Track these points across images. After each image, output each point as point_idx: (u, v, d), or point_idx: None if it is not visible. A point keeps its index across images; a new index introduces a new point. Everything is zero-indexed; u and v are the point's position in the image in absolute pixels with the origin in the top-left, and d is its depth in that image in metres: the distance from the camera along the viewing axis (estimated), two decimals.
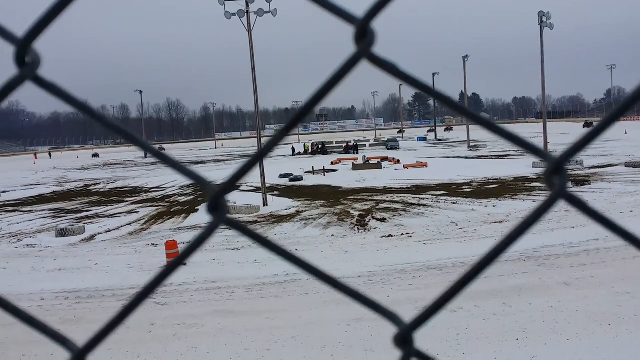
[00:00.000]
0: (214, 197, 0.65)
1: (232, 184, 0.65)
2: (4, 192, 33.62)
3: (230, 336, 8.88)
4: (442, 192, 23.86)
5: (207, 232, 0.64)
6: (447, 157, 45.11)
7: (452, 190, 24.46)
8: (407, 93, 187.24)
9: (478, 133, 60.06)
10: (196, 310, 10.20)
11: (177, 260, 0.65)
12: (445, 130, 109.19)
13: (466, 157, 43.76)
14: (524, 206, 19.14)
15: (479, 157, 42.88)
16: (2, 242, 17.93)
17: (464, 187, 25.13)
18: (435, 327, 8.57)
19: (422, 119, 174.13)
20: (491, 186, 25.05)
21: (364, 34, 0.59)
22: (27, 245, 17.32)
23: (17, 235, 19.02)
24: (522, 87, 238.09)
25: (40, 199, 30.29)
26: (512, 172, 29.44)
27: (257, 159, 0.66)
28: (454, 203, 20.84)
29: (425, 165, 36.25)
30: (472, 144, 56.12)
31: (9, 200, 30.24)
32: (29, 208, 26.57)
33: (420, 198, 22.52)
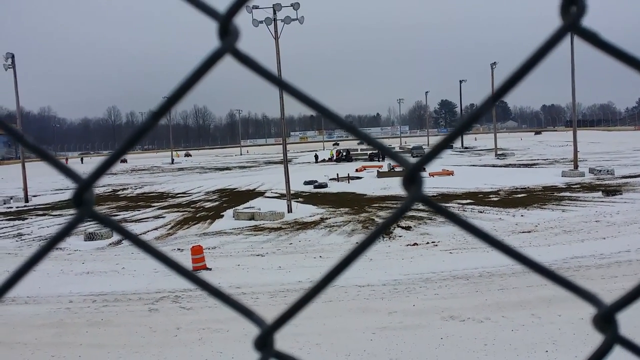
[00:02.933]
0: (78, 191, 0.66)
1: (94, 179, 0.67)
2: (34, 196, 34.43)
3: None
4: (468, 201, 23.57)
5: (71, 224, 0.66)
6: (473, 166, 44.59)
7: (479, 199, 24.15)
8: (434, 100, 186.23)
9: (506, 141, 59.20)
10: (221, 315, 10.23)
11: (43, 248, 0.65)
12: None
13: (493, 166, 43.18)
14: (552, 216, 18.76)
15: (507, 166, 42.26)
16: (33, 245, 18.34)
17: (491, 196, 24.79)
18: (462, 337, 8.43)
19: (448, 127, 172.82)
20: (519, 195, 24.64)
21: (226, 30, 0.60)
22: (57, 249, 17.66)
23: (47, 239, 19.41)
24: (551, 95, 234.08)
25: (69, 204, 30.87)
26: (540, 181, 28.93)
27: (115, 158, 0.67)
28: (480, 212, 20.56)
29: (451, 173, 35.88)
30: (499, 152, 55.39)
31: (39, 204, 30.96)
32: (58, 212, 27.15)
33: (446, 207, 22.23)
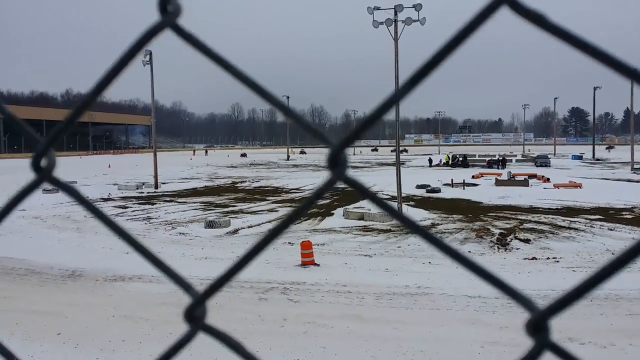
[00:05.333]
0: (36, 157, 0.62)
1: (49, 144, 0.66)
2: (163, 183, 37.33)
3: (358, 341, 8.84)
4: (597, 217, 21.65)
5: (28, 189, 0.63)
6: (605, 179, 40.93)
7: (610, 215, 22.09)
8: (563, 107, 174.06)
9: None
10: (326, 311, 10.33)
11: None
12: (607, 149, 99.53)
13: (629, 180, 39.32)
14: None
15: None
16: (159, 229, 19.85)
17: (623, 213, 22.57)
18: None
19: (578, 136, 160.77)
20: None
21: (165, 5, 0.60)
22: (180, 234, 18.99)
23: (172, 224, 20.95)
24: None
25: (194, 192, 33.12)
26: None
27: (67, 124, 0.67)
28: (610, 229, 18.79)
29: (579, 186, 33.25)
30: (636, 166, 50.37)
31: (167, 191, 33.52)
32: (183, 199, 29.18)
33: (571, 221, 20.65)
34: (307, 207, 0.61)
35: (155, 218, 22.49)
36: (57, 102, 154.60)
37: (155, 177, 35.92)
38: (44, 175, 0.67)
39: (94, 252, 15.54)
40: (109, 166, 57.30)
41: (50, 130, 0.69)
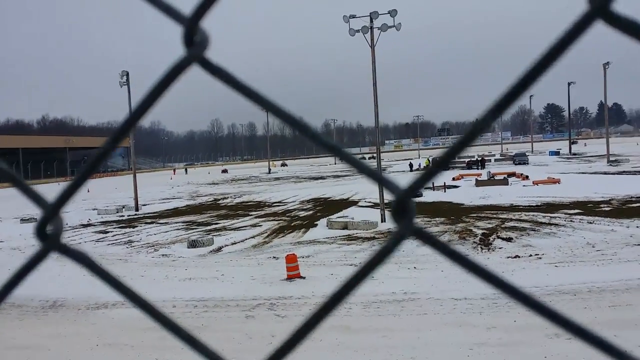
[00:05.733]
0: (41, 223, 0.61)
1: (58, 208, 0.62)
2: (144, 205, 36.92)
3: (348, 352, 8.79)
4: (576, 211, 21.97)
5: (34, 260, 0.59)
6: (583, 173, 41.63)
7: (589, 208, 22.43)
8: (539, 105, 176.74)
9: (620, 146, 54.79)
10: None
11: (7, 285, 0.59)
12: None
13: (605, 173, 40.04)
14: None
15: (621, 173, 39.00)
16: (141, 252, 19.58)
17: (602, 206, 22.93)
18: (568, 357, 7.79)
19: (554, 132, 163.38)
20: (634, 205, 22.58)
21: (193, 36, 0.55)
22: (162, 255, 18.75)
23: (154, 246, 20.69)
24: None
25: (175, 212, 32.79)
26: None
27: (77, 184, 0.62)
28: (590, 223, 19.06)
29: (557, 181, 33.75)
30: (612, 159, 51.31)
31: (148, 213, 33.14)
32: (165, 220, 28.87)
33: (551, 217, 20.92)
34: (372, 269, 0.54)
35: (137, 241, 22.19)
36: (34, 129, 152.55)
37: (136, 199, 35.52)
38: (51, 244, 0.61)
39: (75, 281, 15.22)
40: (88, 191, 56.46)
41: (59, 196, 0.62)
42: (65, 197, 0.61)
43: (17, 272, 0.63)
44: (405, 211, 0.52)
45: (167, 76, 0.56)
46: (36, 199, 0.63)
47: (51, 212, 0.61)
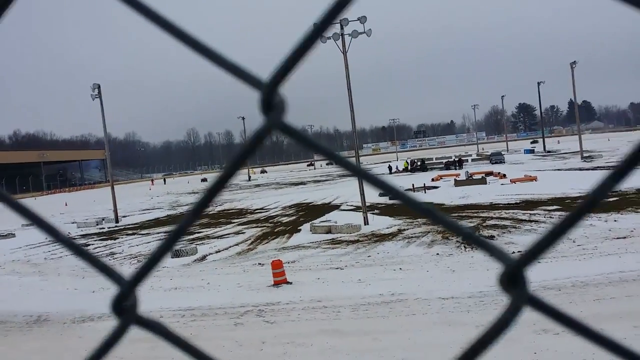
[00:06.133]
0: (117, 299, 0.62)
1: (135, 284, 0.63)
2: (124, 216, 36.47)
3: (339, 356, 8.82)
4: (554, 207, 22.40)
5: (114, 337, 0.62)
6: (558, 170, 42.44)
7: (566, 204, 22.89)
8: (511, 104, 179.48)
9: (592, 142, 56.00)
10: (304, 329, 10.28)
11: None
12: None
13: (580, 169, 40.87)
14: None
15: (595, 169, 39.85)
16: (124, 264, 19.35)
17: (579, 201, 23.33)
18: (557, 352, 7.95)
19: (528, 130, 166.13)
20: (611, 199, 23.09)
21: (271, 102, 0.54)
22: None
23: (136, 257, 20.46)
24: None
25: (157, 222, 32.46)
26: (634, 184, 26.98)
27: (157, 258, 0.62)
28: None
29: (534, 179, 34.32)
30: (585, 155, 52.41)
31: (129, 224, 32.74)
32: (146, 231, 28.56)
33: (531, 214, 21.28)
34: (486, 345, 0.51)
35: (119, 253, 21.91)
36: (5, 144, 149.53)
37: (115, 211, 35.06)
38: (128, 318, 0.61)
39: (59, 295, 15.01)
40: (66, 204, 55.63)
41: (136, 272, 0.62)
42: (142, 274, 0.62)
43: (98, 349, 0.63)
44: (518, 282, 0.50)
45: (251, 143, 0.55)
46: (110, 274, 0.63)
47: (128, 289, 0.62)
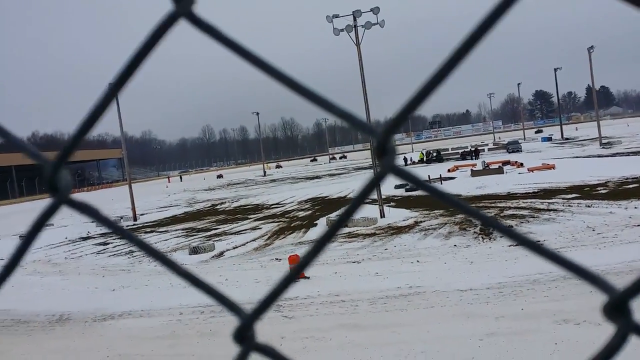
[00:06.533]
0: (241, 328, 0.63)
1: (258, 315, 0.64)
2: (142, 214, 36.83)
3: (358, 350, 8.82)
4: (574, 195, 22.10)
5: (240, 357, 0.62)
6: (576, 157, 41.85)
7: (586, 192, 22.56)
8: (527, 92, 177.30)
9: (611, 129, 55.11)
10: (322, 323, 10.30)
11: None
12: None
13: (599, 156, 40.25)
14: None
15: (614, 155, 39.22)
16: (143, 262, 19.55)
17: (598, 189, 23.07)
18: (579, 342, 7.85)
19: (545, 118, 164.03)
20: (631, 186, 22.72)
21: (385, 147, 0.56)
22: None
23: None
24: None
25: (174, 220, 32.73)
26: None
27: None
28: (588, 206, 19.18)
29: (552, 167, 33.89)
30: (604, 141, 51.60)
31: (147, 222, 33.07)
32: (164, 228, 28.83)
33: (549, 203, 21.02)
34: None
35: (138, 250, 22.12)
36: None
37: (133, 209, 35.42)
38: (249, 345, 0.64)
39: (80, 294, 15.23)
40: None
41: (261, 303, 0.63)
42: (263, 308, 0.63)
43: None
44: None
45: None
46: (230, 306, 0.65)
47: (249, 322, 0.64)
